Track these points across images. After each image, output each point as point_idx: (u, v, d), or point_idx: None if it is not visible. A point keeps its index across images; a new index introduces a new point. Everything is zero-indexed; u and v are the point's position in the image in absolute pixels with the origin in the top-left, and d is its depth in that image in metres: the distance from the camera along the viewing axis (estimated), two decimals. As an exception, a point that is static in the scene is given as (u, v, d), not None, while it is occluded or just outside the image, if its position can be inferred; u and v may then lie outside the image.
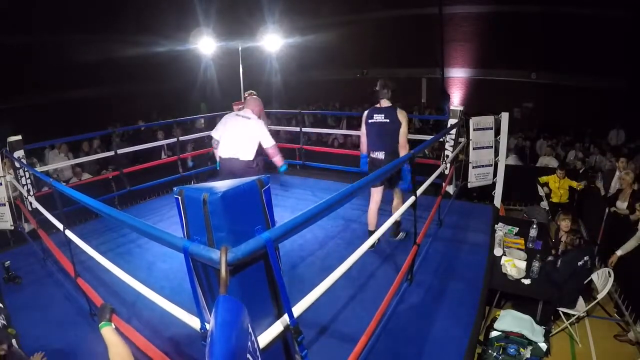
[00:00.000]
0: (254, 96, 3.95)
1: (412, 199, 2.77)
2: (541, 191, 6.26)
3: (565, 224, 4.12)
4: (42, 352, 2.25)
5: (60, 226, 2.68)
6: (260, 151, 3.74)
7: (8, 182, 4.03)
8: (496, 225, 4.25)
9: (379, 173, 2.21)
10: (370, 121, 3.46)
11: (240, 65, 6.59)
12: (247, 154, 3.55)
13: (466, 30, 11.78)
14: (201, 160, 6.42)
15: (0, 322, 2.18)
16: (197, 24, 9.88)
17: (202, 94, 13.13)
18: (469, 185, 4.90)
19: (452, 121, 4.81)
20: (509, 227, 4.35)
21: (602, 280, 3.70)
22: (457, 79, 12.38)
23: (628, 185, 4.85)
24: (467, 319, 2.66)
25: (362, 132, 3.58)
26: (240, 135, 3.55)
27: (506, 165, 4.78)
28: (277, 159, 3.83)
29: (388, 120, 3.35)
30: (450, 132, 4.71)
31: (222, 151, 3.57)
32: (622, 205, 4.85)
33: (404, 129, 3.35)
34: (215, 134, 3.71)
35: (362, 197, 4.70)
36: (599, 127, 9.36)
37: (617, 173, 5.48)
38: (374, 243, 2.98)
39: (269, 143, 3.66)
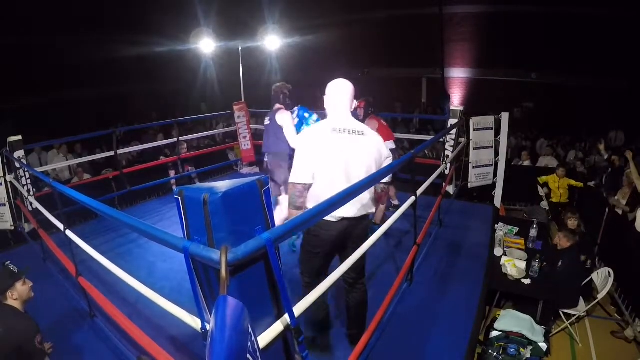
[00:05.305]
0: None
1: (412, 199, 2.77)
2: (541, 191, 6.25)
3: (572, 222, 4.12)
4: (51, 342, 2.27)
5: (60, 226, 2.68)
6: None
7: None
8: (496, 225, 4.25)
9: (383, 170, 2.19)
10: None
11: (240, 65, 6.59)
12: (373, 201, 2.16)
13: (466, 30, 11.77)
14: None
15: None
16: (198, 24, 9.88)
17: (202, 94, 13.13)
18: (469, 185, 4.90)
19: (452, 121, 4.81)
20: (509, 227, 4.35)
21: (602, 280, 3.70)
22: (457, 79, 12.37)
23: (629, 184, 4.79)
24: (467, 319, 2.66)
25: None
26: (364, 168, 2.02)
27: (506, 165, 4.79)
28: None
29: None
30: (451, 132, 4.71)
31: (343, 208, 1.82)
32: (622, 200, 4.83)
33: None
34: (306, 175, 1.96)
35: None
36: (600, 128, 9.35)
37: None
38: None
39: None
